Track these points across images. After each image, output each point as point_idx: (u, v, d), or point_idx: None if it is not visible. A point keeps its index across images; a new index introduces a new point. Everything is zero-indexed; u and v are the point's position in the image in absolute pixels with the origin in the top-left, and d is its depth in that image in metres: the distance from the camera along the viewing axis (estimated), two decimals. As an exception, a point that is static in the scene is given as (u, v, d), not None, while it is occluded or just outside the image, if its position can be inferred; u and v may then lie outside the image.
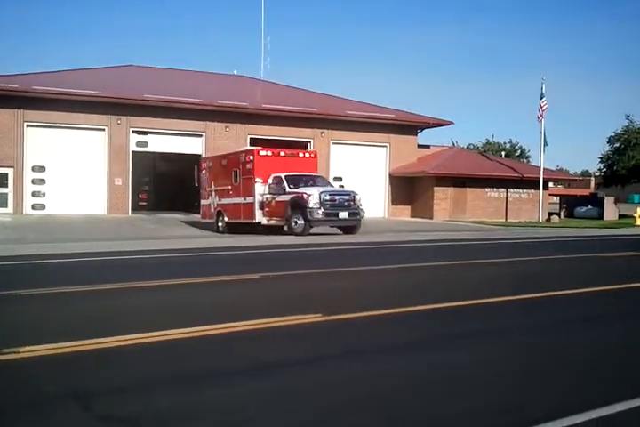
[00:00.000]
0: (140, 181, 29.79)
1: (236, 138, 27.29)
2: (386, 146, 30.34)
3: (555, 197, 38.31)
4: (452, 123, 31.98)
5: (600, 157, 35.99)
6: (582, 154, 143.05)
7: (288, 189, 19.38)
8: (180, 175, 29.77)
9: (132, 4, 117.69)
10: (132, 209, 26.82)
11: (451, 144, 46.16)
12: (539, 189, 29.24)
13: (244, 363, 4.60)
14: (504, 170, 30.86)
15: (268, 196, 19.87)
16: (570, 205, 35.30)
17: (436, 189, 28.78)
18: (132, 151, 26.54)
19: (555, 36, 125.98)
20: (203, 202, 23.18)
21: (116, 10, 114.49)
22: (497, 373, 4.48)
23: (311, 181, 20.20)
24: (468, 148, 54.41)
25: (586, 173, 65.11)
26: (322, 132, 28.79)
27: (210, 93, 28.31)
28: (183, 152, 27.96)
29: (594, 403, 3.67)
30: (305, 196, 18.82)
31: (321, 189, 19.15)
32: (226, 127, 27.41)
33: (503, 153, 52.45)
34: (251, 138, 27.55)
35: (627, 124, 35.48)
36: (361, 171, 29.54)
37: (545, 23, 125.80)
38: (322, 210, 18.52)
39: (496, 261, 12.28)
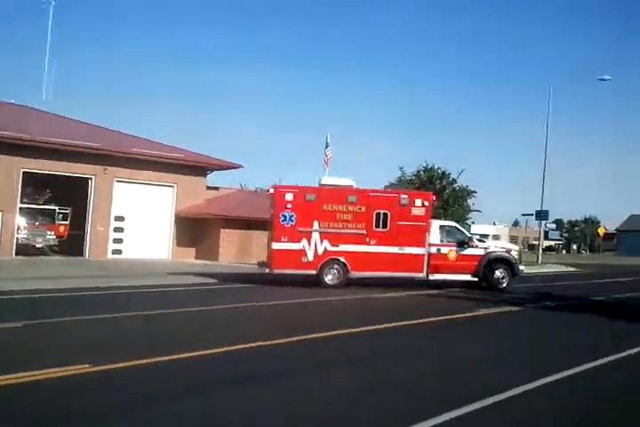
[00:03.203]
0: None
1: (7, 172, 26.56)
2: (173, 186, 31.70)
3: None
4: (241, 166, 34.64)
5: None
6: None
7: (477, 243, 20.49)
8: None
9: None
10: None
11: (239, 187, 48.68)
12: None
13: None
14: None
15: (446, 248, 20.03)
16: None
17: (222, 230, 30.67)
18: None
19: (339, 92, 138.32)
20: (282, 246, 19.09)
21: None
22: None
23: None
24: (256, 191, 57.45)
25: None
26: (105, 169, 29.17)
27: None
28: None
29: None
30: (511, 251, 21.09)
31: (498, 243, 22.98)
32: (-7, 159, 26.47)
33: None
34: (24, 172, 27.04)
35: (400, 174, 41.07)
36: (146, 210, 30.62)
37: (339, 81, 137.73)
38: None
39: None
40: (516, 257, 20.79)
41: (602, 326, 13.12)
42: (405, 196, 20.06)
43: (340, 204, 19.31)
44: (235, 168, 34.77)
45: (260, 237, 31.55)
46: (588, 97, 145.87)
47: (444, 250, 19.92)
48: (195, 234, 31.84)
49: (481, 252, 20.25)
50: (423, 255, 19.65)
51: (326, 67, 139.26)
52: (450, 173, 40.89)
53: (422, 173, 41.02)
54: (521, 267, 20.82)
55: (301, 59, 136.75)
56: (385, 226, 19.48)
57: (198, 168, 32.63)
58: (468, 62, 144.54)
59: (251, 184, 62.23)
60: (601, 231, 58.91)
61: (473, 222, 69.46)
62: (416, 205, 19.73)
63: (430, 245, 19.77)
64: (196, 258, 31.49)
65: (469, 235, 20.74)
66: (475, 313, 13.80)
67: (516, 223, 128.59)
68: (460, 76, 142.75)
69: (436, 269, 19.81)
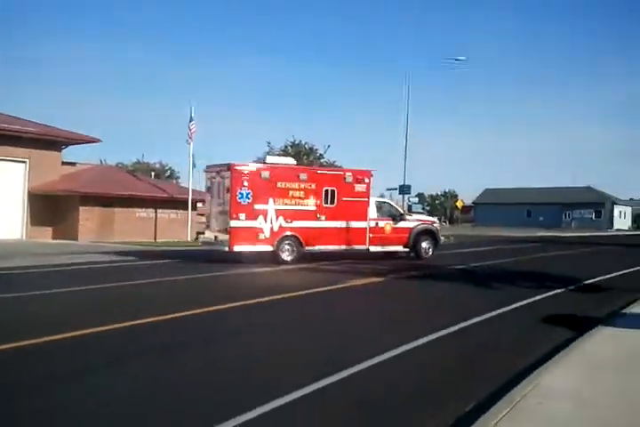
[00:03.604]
0: None
1: None
2: (25, 161, 29.67)
3: (203, 217, 41.75)
4: (99, 140, 32.94)
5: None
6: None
7: (409, 216, 22.31)
8: None
9: None
10: None
11: (99, 162, 46.47)
12: (187, 209, 31.89)
13: None
14: (154, 190, 32.89)
15: (383, 222, 21.37)
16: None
17: (81, 208, 29.25)
18: None
19: (203, 66, 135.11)
20: (237, 224, 18.96)
21: None
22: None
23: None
24: (117, 166, 55.22)
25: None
26: (-55, 143, 26.69)
27: None
28: None
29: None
30: (434, 223, 22.97)
31: (421, 217, 24.10)
32: None
33: (153, 173, 54.77)
34: None
35: (268, 149, 41.06)
36: (-6, 188, 28.27)
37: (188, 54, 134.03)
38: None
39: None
40: (438, 229, 23.12)
41: (459, 291, 13.98)
42: (350, 173, 21.20)
43: (293, 181, 19.88)
44: (92, 142, 33.02)
45: (124, 214, 30.53)
46: (445, 76, 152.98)
47: (381, 224, 21.44)
48: (51, 212, 30.07)
49: (411, 225, 22.05)
50: (365, 229, 21.00)
51: (189, 38, 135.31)
52: (317, 149, 41.44)
53: (290, 148, 41.22)
54: (442, 238, 23.18)
55: (162, 29, 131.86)
56: (333, 202, 20.46)
57: (52, 142, 30.65)
58: (340, 38, 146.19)
59: (111, 160, 59.67)
60: (459, 204, 62.28)
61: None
62: (358, 182, 20.97)
63: (370, 219, 21.09)
64: (54, 238, 29.81)
65: (401, 210, 22.62)
66: (344, 285, 14.17)
67: (381, 197, 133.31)
68: (327, 52, 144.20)
69: (375, 242, 21.23)
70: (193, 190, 33.24)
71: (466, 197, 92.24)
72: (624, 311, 10.70)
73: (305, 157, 40.90)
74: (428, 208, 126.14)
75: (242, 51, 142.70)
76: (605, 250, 31.94)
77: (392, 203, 23.26)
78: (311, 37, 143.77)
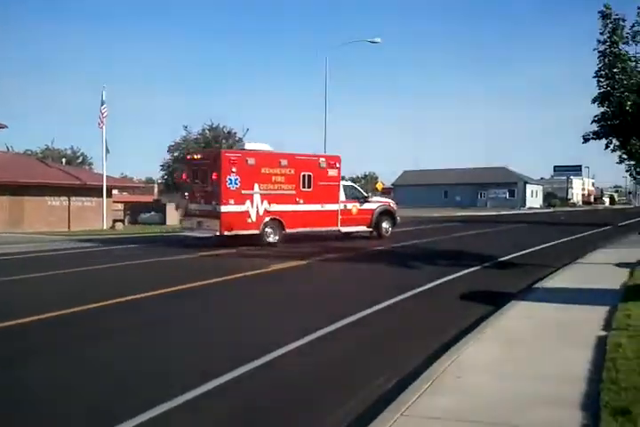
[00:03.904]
0: None
1: None
2: None
3: (120, 204, 40.68)
4: (5, 126, 31.21)
5: (161, 165, 39.87)
6: (146, 162, 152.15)
7: (373, 198, 24.28)
8: None
9: None
10: None
11: (5, 149, 44.29)
12: (102, 196, 30.94)
13: None
14: (66, 177, 31.69)
15: (350, 204, 22.72)
16: (134, 211, 38.11)
17: (-13, 197, 27.78)
18: None
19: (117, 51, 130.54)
20: (227, 209, 19.56)
21: None
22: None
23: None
24: (25, 154, 52.85)
25: (150, 181, 70.05)
26: None
27: None
28: None
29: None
30: (392, 204, 24.81)
31: (381, 199, 25.52)
32: None
33: (64, 160, 52.71)
34: None
35: (185, 134, 40.23)
36: None
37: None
38: None
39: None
40: (395, 209, 25.02)
41: (379, 272, 14.27)
42: (324, 159, 22.51)
43: (275, 167, 20.81)
44: (-1, 128, 31.44)
45: (34, 203, 29.30)
46: (363, 57, 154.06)
47: (349, 206, 22.87)
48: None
49: (373, 206, 23.71)
50: (337, 211, 22.43)
51: (101, 19, 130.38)
52: (235, 133, 40.95)
53: (208, 131, 40.56)
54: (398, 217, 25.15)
55: (72, 11, 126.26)
56: (309, 186, 21.64)
57: (-49, 128, 29.02)
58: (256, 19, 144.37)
59: (18, 147, 56.97)
60: (379, 186, 63.05)
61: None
62: (331, 166, 22.33)
63: (340, 202, 22.53)
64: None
65: (364, 193, 24.24)
66: (268, 269, 14.18)
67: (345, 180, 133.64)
68: (245, 34, 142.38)
69: (345, 223, 22.69)
70: (108, 177, 32.28)
71: (385, 179, 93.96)
72: (536, 286, 11.23)
73: (224, 140, 40.34)
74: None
75: (155, 30, 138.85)
76: (519, 228, 33.27)
77: (356, 186, 24.77)
78: (227, 15, 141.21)
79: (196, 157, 21.60)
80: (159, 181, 50.29)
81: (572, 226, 32.78)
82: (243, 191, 19.82)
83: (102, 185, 31.12)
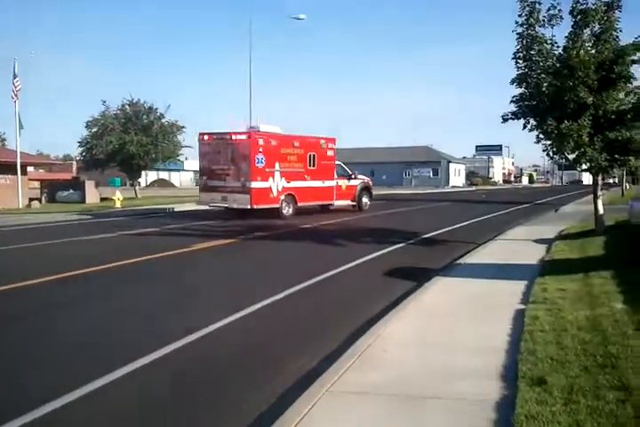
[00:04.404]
0: None
1: None
2: None
3: (36, 182, 39.09)
4: None
5: (79, 142, 38.37)
6: (64, 138, 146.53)
7: (357, 175, 27.52)
8: None
9: None
10: None
11: None
12: (16, 173, 29.64)
13: None
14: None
15: (341, 180, 26.19)
16: (52, 189, 36.75)
17: None
18: None
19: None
20: (257, 185, 22.30)
21: None
22: None
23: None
24: None
25: (68, 158, 67.54)
26: None
27: None
28: None
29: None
30: (369, 181, 28.54)
31: (360, 176, 28.10)
32: None
33: (-26, 135, 50.14)
34: None
35: (103, 109, 38.78)
36: None
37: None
38: None
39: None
40: (372, 185, 28.93)
41: (302, 250, 14.32)
42: (324, 140, 25.61)
43: (289, 147, 23.69)
44: None
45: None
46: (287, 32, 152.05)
47: (340, 182, 26.20)
48: None
49: (356, 182, 27.21)
50: (333, 187, 25.72)
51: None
52: (157, 108, 39.83)
53: (127, 107, 39.28)
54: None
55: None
56: (314, 165, 24.71)
57: None
58: None
59: None
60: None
61: (187, 158, 69.21)
62: (329, 147, 25.58)
63: (335, 179, 25.93)
64: None
65: (349, 171, 27.08)
66: (194, 248, 13.96)
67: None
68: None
69: (338, 198, 26.06)
70: (23, 154, 30.94)
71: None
72: (458, 262, 11.54)
73: (144, 116, 39.17)
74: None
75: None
76: (442, 206, 34.06)
77: (343, 165, 27.08)
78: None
79: (214, 136, 23.37)
80: (77, 158, 48.50)
81: (492, 204, 33.77)
82: (267, 169, 22.51)
83: (16, 162, 29.80)
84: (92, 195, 35.65)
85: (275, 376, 5.42)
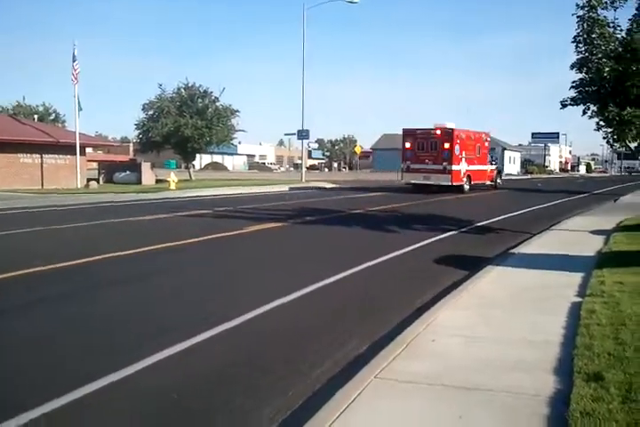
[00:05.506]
0: None
1: None
2: None
3: (94, 163, 40.05)
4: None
5: (136, 124, 39.04)
6: (121, 120, 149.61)
7: (495, 162, 36.38)
8: None
9: None
10: None
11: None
12: (76, 154, 30.39)
13: None
14: (38, 135, 31.02)
15: (488, 166, 35.31)
16: (109, 170, 37.60)
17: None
18: None
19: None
20: (455, 168, 30.64)
21: None
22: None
23: None
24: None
25: (125, 140, 68.92)
26: None
27: None
28: None
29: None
30: (500, 166, 37.84)
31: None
32: None
33: (36, 117, 51.57)
34: None
35: (159, 92, 39.35)
36: None
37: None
38: None
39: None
40: (502, 168, 38.02)
41: (357, 236, 14.25)
42: (484, 134, 34.75)
43: (469, 139, 32.48)
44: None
45: (6, 159, 28.76)
46: (343, 19, 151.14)
47: (488, 166, 35.85)
48: None
49: (494, 167, 36.57)
50: (487, 170, 35.47)
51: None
52: (212, 92, 40.15)
53: (183, 90, 39.74)
54: None
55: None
56: (479, 153, 33.77)
57: None
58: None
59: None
60: (358, 150, 62.92)
61: (239, 142, 69.65)
62: (487, 139, 35.02)
63: (487, 164, 35.97)
64: None
65: (491, 157, 36.39)
66: (245, 230, 14.07)
67: (281, 143, 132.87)
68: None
69: (487, 178, 35.72)
70: (82, 135, 31.68)
71: (365, 142, 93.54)
72: (512, 251, 11.29)
73: (199, 100, 39.56)
74: (327, 154, 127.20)
75: None
76: (497, 194, 33.44)
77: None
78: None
79: (419, 131, 31.53)
80: (134, 141, 49.41)
81: (548, 193, 33.03)
82: (459, 156, 30.79)
83: (75, 143, 30.55)
84: (148, 176, 36.34)
85: (334, 351, 5.43)
